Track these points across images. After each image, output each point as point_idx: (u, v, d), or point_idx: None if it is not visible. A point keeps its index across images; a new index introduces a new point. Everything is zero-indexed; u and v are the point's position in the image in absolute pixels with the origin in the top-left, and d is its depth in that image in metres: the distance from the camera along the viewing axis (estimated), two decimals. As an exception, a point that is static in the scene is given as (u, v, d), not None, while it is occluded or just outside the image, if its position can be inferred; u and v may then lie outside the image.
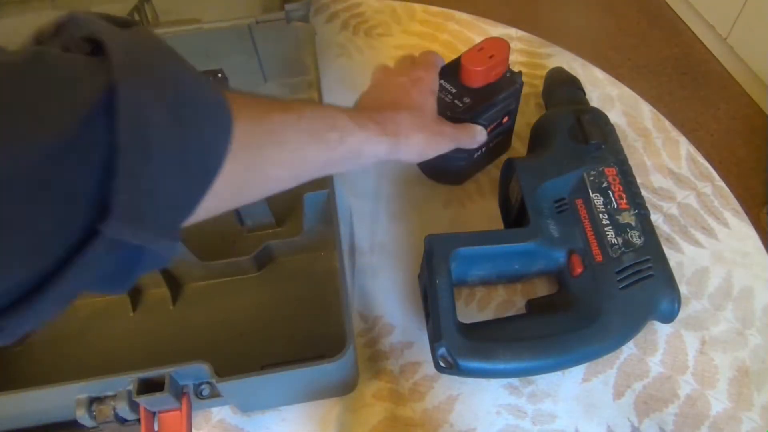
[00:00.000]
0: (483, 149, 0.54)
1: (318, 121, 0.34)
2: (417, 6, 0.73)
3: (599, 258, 0.45)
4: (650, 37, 1.82)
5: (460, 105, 0.49)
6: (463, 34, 0.70)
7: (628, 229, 0.45)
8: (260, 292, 0.50)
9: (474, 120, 0.49)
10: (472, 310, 0.49)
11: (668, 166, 0.58)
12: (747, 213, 0.55)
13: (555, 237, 0.46)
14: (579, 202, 0.47)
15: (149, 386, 0.37)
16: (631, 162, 0.51)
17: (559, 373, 0.46)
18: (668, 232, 0.53)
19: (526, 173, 0.49)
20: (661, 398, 0.45)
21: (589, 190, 0.48)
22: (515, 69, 0.52)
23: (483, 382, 0.46)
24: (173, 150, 0.23)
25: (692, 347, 0.47)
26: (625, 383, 0.46)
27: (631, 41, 1.81)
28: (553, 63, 0.65)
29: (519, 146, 0.59)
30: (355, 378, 0.45)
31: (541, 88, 0.61)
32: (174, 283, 0.50)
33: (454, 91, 0.50)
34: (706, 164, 0.58)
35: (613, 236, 0.45)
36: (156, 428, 0.38)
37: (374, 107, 0.41)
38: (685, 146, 0.59)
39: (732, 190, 0.56)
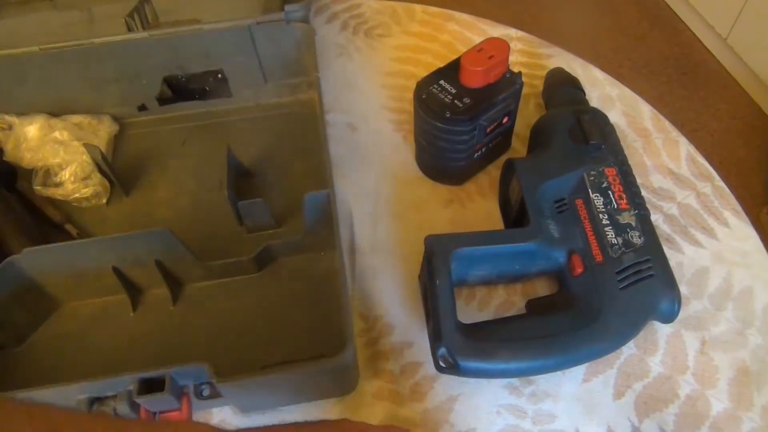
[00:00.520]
0: (483, 149, 0.54)
1: None
2: (417, 6, 0.73)
3: (599, 258, 0.45)
4: (650, 37, 1.82)
5: (460, 105, 0.49)
6: (463, 34, 0.70)
7: (628, 229, 0.46)
8: (260, 292, 0.50)
9: (474, 120, 0.49)
10: (472, 310, 0.49)
11: (668, 166, 0.58)
12: (747, 213, 0.55)
13: (555, 237, 0.46)
14: (579, 202, 0.47)
15: (150, 386, 0.37)
16: (631, 162, 0.51)
17: (559, 373, 0.46)
18: (668, 233, 0.53)
19: (527, 173, 0.49)
20: (662, 398, 0.45)
21: (589, 190, 0.48)
22: (515, 69, 0.52)
23: (483, 382, 0.46)
24: None
25: (692, 347, 0.47)
26: (625, 383, 0.46)
27: (631, 41, 1.81)
28: (552, 63, 0.65)
29: (519, 146, 0.59)
30: (355, 378, 0.45)
31: (541, 89, 0.61)
32: (174, 283, 0.50)
33: (454, 91, 0.50)
34: (706, 164, 0.58)
35: (613, 236, 0.45)
36: (156, 428, 0.38)
37: None
38: (685, 146, 0.59)
39: (732, 190, 0.56)
